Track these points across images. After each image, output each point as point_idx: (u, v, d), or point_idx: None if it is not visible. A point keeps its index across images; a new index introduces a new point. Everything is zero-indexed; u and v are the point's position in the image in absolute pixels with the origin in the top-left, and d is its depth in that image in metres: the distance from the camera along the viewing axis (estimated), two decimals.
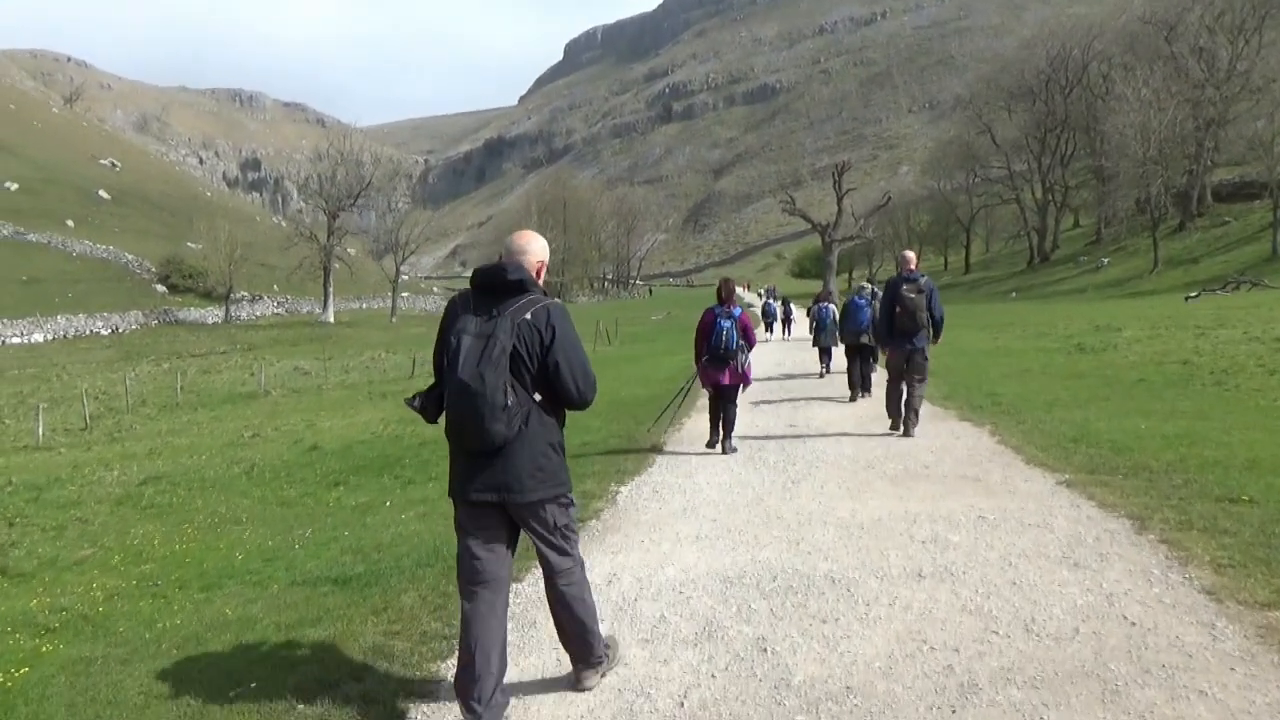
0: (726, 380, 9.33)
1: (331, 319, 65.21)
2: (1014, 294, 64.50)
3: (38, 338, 54.16)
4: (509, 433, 3.44)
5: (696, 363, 9.70)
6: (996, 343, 22.70)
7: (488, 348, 3.42)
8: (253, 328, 63.19)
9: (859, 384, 13.54)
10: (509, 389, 3.42)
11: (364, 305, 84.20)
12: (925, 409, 10.59)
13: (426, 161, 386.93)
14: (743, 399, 10.70)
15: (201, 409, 20.93)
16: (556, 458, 3.67)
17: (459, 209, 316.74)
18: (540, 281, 3.77)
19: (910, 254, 10.48)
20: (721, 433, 9.51)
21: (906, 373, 9.86)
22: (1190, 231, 61.53)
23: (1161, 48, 69.76)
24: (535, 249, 3.79)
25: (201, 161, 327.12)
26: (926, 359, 9.94)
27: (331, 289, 65.90)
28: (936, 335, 10.08)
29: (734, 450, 9.37)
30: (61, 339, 55.33)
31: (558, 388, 3.57)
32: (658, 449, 9.70)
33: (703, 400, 11.91)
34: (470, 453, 3.54)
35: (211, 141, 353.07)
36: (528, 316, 3.50)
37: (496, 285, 3.58)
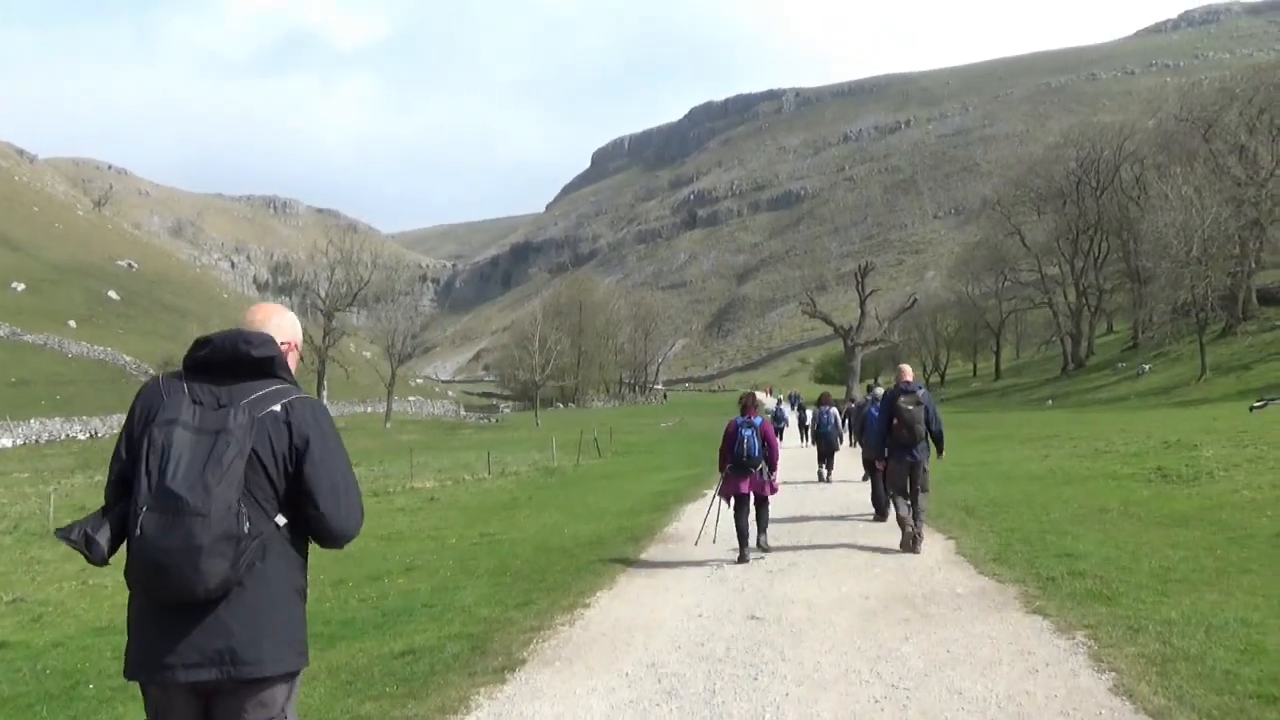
0: (745, 489, 9.39)
1: None
2: (1050, 401, 60.66)
3: (5, 442, 50.97)
4: (234, 574, 2.45)
5: (720, 470, 9.69)
6: (1048, 462, 18.52)
7: (216, 448, 2.47)
8: None
9: (884, 502, 12.07)
10: (243, 509, 2.45)
11: (369, 409, 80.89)
12: (973, 583, 7.65)
13: (454, 266, 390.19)
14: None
15: (48, 543, 16.88)
16: (301, 610, 2.68)
17: (484, 313, 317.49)
18: (292, 368, 2.80)
19: (906, 367, 10.39)
20: (756, 530, 9.62)
21: (910, 486, 9.63)
22: (1238, 336, 57.57)
23: (1198, 147, 67.24)
24: (283, 325, 2.85)
25: (233, 265, 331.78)
26: (927, 471, 9.83)
27: (325, 392, 62.59)
28: (940, 449, 10.01)
29: (768, 550, 9.57)
30: (33, 444, 52.16)
31: (310, 515, 2.62)
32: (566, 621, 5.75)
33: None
34: (169, 608, 2.46)
35: (244, 246, 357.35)
36: (275, 409, 2.59)
37: (230, 364, 2.62)
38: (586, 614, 7.09)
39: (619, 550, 10.42)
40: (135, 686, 5.47)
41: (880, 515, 11.99)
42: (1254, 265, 61.27)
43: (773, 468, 9.64)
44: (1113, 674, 4.90)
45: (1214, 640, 5.36)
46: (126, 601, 2.59)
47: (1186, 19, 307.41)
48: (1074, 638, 5.69)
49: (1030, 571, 7.84)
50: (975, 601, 6.94)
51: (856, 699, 4.76)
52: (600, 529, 12.56)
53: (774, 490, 9.71)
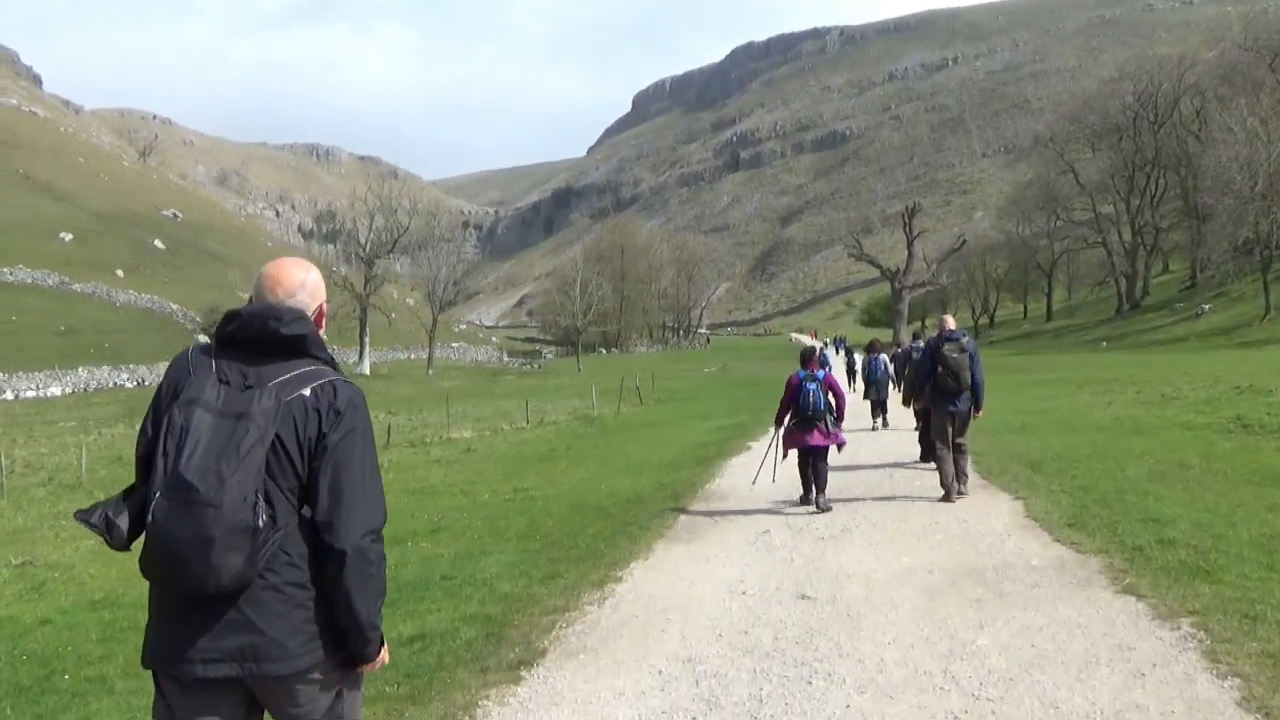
0: (816, 441, 9.31)
1: (367, 370, 61.71)
2: (1105, 343, 59.09)
3: (54, 391, 51.55)
4: (250, 570, 2.29)
5: (777, 426, 9.83)
6: (1111, 409, 17.55)
7: (236, 434, 2.31)
8: None
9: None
10: (261, 500, 2.29)
11: (412, 355, 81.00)
12: (1049, 553, 6.89)
13: (496, 212, 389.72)
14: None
15: (80, 495, 16.44)
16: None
17: (527, 259, 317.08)
18: (321, 329, 2.61)
19: (949, 316, 10.35)
20: (815, 491, 9.40)
21: (951, 437, 9.40)
22: None
23: (1263, 77, 64.51)
24: (312, 284, 2.61)
25: (278, 214, 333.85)
26: (968, 422, 9.62)
27: (368, 339, 62.46)
28: (978, 406, 9.65)
29: (829, 509, 9.14)
30: (81, 393, 52.65)
31: (320, 510, 2.39)
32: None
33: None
34: (187, 599, 2.31)
35: (288, 195, 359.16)
36: (305, 393, 2.42)
37: (259, 341, 2.44)
38: (618, 590, 6.38)
39: (658, 510, 9.74)
40: (111, 680, 4.92)
41: (925, 456, 11.94)
42: None
43: (840, 419, 9.63)
44: (1237, 680, 4.11)
45: None
46: (136, 567, 2.35)
47: None
48: (1179, 627, 4.90)
49: (1113, 539, 7.03)
50: (1055, 576, 6.16)
51: (932, 713, 4.01)
52: (639, 485, 11.91)
53: (841, 443, 9.55)
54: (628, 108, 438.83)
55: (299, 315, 2.48)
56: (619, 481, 12.43)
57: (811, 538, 7.90)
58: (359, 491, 2.41)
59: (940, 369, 9.39)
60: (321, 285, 2.65)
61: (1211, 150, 60.28)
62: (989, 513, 8.51)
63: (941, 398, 9.47)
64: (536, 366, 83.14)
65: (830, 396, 9.47)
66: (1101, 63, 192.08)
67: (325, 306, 2.68)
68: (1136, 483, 9.37)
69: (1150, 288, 73.93)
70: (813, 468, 9.43)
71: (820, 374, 9.48)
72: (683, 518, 9.23)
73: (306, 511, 2.42)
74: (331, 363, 2.55)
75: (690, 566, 7.04)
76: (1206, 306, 59.29)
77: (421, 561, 8.02)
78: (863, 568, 6.69)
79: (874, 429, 17.56)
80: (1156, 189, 74.56)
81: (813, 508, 9.26)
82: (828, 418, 9.32)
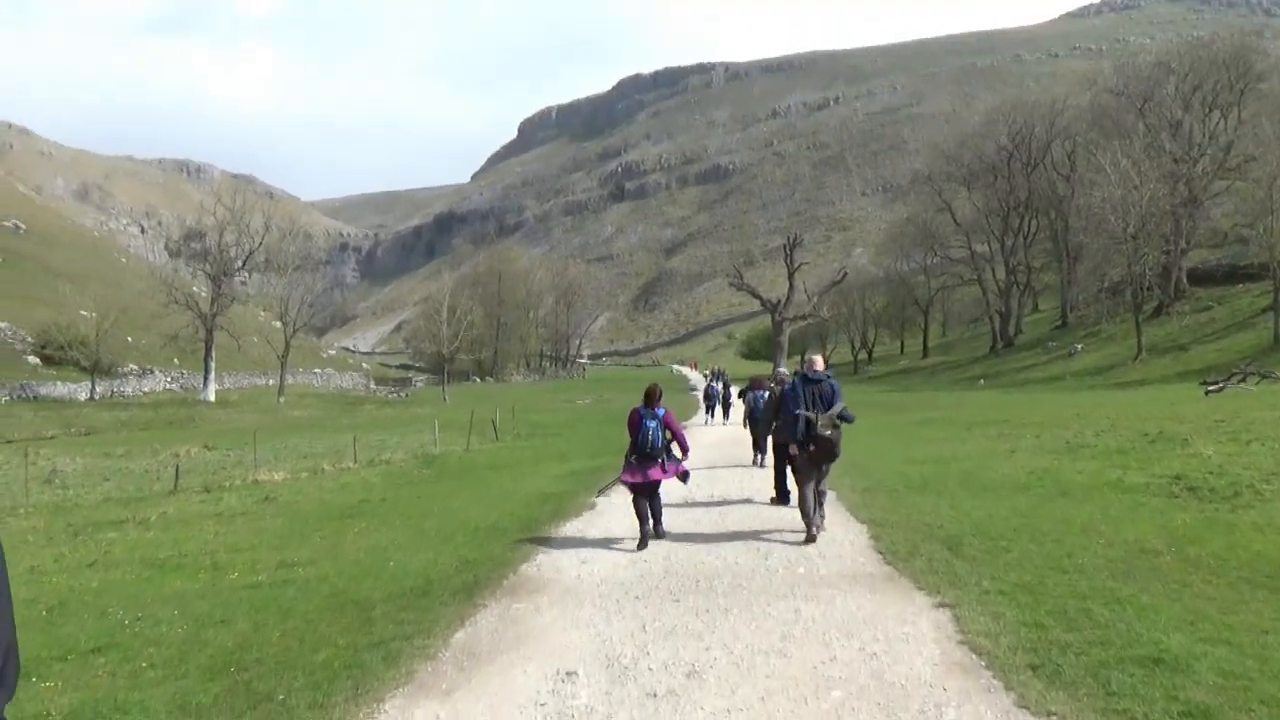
0: (656, 476, 9.42)
1: (211, 397, 56.76)
2: (981, 381, 58.72)
3: None
4: None
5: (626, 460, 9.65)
6: (1018, 459, 15.25)
7: None
8: (116, 406, 54.37)
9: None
10: None
11: (271, 382, 75.82)
12: None
13: (376, 235, 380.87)
14: None
15: None
16: None
17: (406, 284, 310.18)
18: None
19: (818, 356, 9.97)
20: (651, 523, 9.53)
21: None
22: (1171, 316, 56.05)
23: (1132, 123, 65.77)
24: None
25: (144, 231, 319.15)
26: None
27: (213, 362, 57.55)
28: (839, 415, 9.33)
29: (665, 534, 9.62)
30: None
31: None
32: None
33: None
34: None
35: (155, 211, 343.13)
36: None
37: None
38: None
39: (433, 616, 6.77)
40: None
41: (780, 499, 11.83)
42: (1186, 244, 59.87)
43: (685, 452, 9.75)
44: None
45: None
46: None
47: (1108, 4, 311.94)
48: None
49: (1109, 705, 4.39)
50: None
51: None
52: (436, 562, 8.90)
53: (684, 474, 9.70)
54: (514, 135, 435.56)
55: None
56: (414, 556, 9.38)
57: (638, 693, 4.99)
58: None
59: (814, 448, 9.10)
60: None
61: (1083, 192, 61.03)
62: (907, 634, 5.80)
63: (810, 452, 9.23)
64: (404, 395, 78.86)
65: (667, 434, 9.54)
66: (974, 108, 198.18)
67: None
68: (1096, 579, 6.82)
69: (1023, 326, 74.60)
70: (649, 504, 9.53)
71: (660, 411, 9.56)
72: (460, 634, 6.23)
73: None
74: None
75: None
76: (1079, 346, 59.59)
77: None
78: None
79: (757, 465, 16.94)
80: (1029, 229, 75.79)
81: (659, 531, 9.61)
82: (664, 455, 9.46)
